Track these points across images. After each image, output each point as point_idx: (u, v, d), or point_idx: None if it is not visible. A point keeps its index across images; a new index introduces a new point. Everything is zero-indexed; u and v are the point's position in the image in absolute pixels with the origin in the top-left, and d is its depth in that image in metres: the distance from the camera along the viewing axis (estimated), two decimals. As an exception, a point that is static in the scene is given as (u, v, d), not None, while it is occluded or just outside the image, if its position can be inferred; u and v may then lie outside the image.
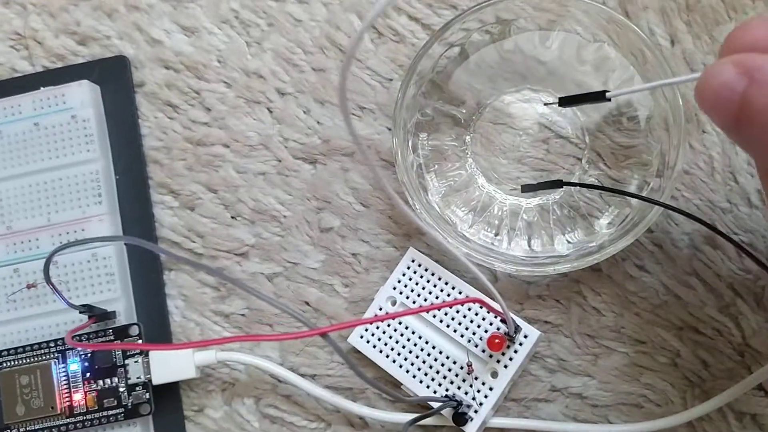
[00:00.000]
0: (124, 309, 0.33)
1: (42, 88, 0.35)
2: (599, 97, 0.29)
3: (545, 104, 0.32)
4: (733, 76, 0.20)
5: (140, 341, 0.32)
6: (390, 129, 0.33)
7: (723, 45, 0.22)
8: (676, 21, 0.33)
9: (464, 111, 0.33)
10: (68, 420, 0.31)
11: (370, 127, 0.34)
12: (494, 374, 0.30)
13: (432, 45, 0.31)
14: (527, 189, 0.31)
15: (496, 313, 0.29)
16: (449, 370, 0.31)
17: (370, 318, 0.30)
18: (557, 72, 0.32)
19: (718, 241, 0.31)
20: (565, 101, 0.30)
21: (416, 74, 0.31)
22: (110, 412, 0.31)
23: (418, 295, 0.32)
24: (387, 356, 0.31)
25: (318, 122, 0.34)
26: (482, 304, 0.28)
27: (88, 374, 0.32)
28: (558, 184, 0.31)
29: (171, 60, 0.35)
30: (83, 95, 0.34)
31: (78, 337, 0.32)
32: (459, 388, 0.31)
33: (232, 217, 0.34)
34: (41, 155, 0.34)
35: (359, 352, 0.32)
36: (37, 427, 0.31)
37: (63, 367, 0.32)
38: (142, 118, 0.35)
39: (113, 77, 0.35)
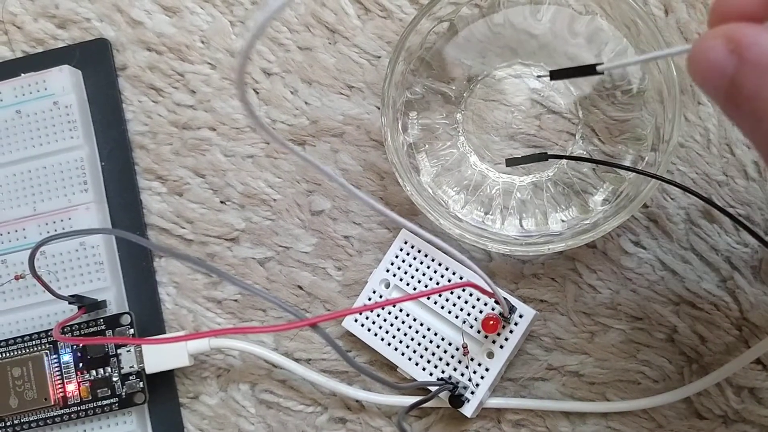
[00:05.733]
0: (114, 298, 0.33)
1: (22, 75, 0.34)
2: (591, 70, 0.27)
3: (538, 77, 0.31)
4: (722, 54, 0.18)
5: (132, 330, 0.32)
6: (379, 108, 0.32)
7: (711, 7, 0.20)
8: (671, -11, 0.32)
9: (454, 88, 0.32)
10: (62, 411, 0.31)
11: (359, 107, 0.33)
12: (490, 355, 0.30)
13: (420, 20, 0.30)
14: (512, 163, 0.31)
15: (490, 296, 0.29)
16: (445, 351, 0.31)
17: (359, 307, 0.29)
18: (549, 45, 0.31)
19: (714, 214, 0.31)
20: (556, 75, 0.29)
21: (404, 51, 0.31)
22: (104, 402, 0.31)
23: (412, 277, 0.31)
24: (382, 339, 0.31)
25: (306, 102, 0.34)
26: (475, 287, 0.27)
27: (80, 364, 0.31)
28: (543, 156, 0.31)
29: (153, 42, 0.34)
30: (64, 80, 0.33)
31: (69, 328, 0.32)
32: (455, 369, 0.30)
33: (221, 202, 0.34)
34: (24, 143, 0.33)
35: (354, 335, 0.32)
36: (31, 419, 0.31)
37: (55, 358, 0.31)
38: (126, 103, 0.35)
39: (94, 61, 0.34)
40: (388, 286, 0.32)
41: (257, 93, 0.34)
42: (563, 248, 0.29)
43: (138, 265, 0.33)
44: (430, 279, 0.31)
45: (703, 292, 0.31)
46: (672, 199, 0.31)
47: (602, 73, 0.27)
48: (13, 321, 0.32)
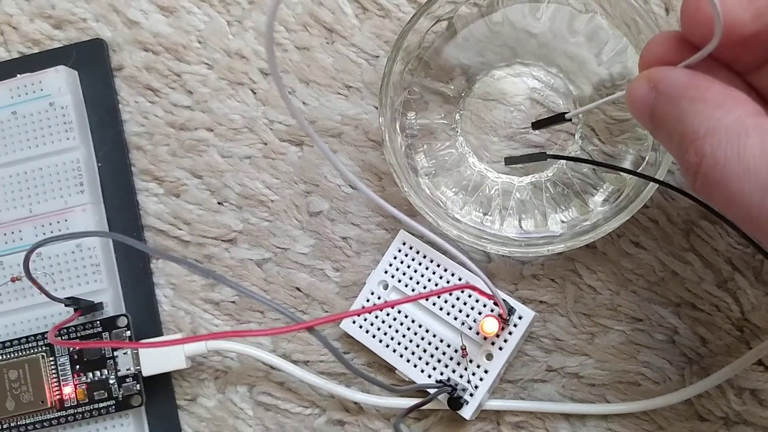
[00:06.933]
0: (111, 300, 0.32)
1: (18, 75, 0.34)
2: (560, 119, 0.29)
3: (525, 128, 0.31)
4: (645, 91, 0.23)
5: (129, 332, 0.31)
6: (377, 108, 0.32)
7: (640, 56, 0.25)
8: (671, -12, 0.32)
9: (453, 88, 0.32)
10: (59, 413, 0.31)
11: (357, 107, 0.33)
12: (489, 356, 0.30)
13: (418, 19, 0.30)
14: (511, 161, 0.31)
15: (489, 298, 0.29)
16: (443, 353, 0.30)
17: (357, 310, 0.29)
18: (548, 44, 0.31)
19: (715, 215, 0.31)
20: (535, 125, 0.30)
21: (403, 50, 0.30)
22: (101, 405, 0.31)
23: (410, 278, 0.31)
24: (380, 341, 0.31)
25: (303, 103, 0.33)
26: (474, 289, 0.27)
27: (77, 367, 0.31)
28: (542, 156, 0.30)
29: (149, 42, 0.34)
30: (60, 81, 0.33)
31: (65, 331, 0.31)
32: (454, 371, 0.30)
33: (219, 203, 0.34)
34: (20, 144, 0.33)
35: (352, 337, 0.31)
36: (27, 421, 0.31)
37: (51, 361, 0.31)
38: (122, 103, 0.34)
39: (91, 61, 0.34)
40: (386, 287, 0.31)
41: (255, 93, 0.34)
42: (563, 249, 0.29)
43: (135, 267, 0.33)
44: (429, 280, 0.31)
45: (704, 293, 0.31)
46: (672, 199, 0.31)
47: (570, 120, 0.29)
48: (9, 323, 0.32)
